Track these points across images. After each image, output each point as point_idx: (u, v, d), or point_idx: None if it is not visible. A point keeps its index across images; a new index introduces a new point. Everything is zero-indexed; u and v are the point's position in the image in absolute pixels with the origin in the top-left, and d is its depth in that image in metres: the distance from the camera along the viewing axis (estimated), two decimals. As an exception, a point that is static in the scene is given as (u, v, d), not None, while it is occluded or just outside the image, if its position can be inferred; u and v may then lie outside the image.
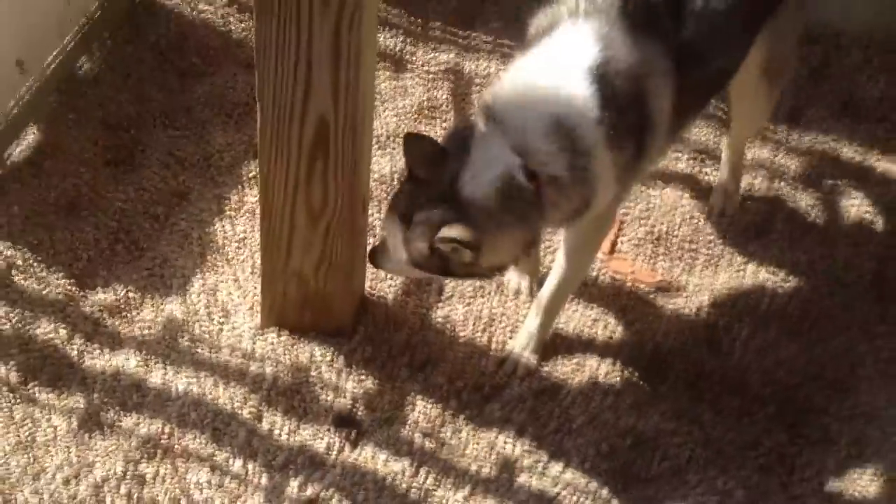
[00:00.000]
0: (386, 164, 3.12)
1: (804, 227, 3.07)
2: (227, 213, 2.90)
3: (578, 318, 2.72)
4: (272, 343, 2.49)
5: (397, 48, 3.58)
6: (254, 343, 2.49)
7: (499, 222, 2.10)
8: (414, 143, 2.12)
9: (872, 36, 3.74)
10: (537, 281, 2.77)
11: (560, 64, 2.22)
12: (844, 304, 2.84)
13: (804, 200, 3.17)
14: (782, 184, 3.23)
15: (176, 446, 2.25)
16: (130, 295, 2.61)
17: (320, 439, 2.30)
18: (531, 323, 2.60)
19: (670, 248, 2.98)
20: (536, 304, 2.60)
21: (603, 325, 2.71)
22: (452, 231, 2.03)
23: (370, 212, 2.67)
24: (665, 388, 2.57)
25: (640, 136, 2.25)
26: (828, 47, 3.72)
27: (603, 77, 2.18)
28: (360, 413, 2.37)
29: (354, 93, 2.12)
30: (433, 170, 2.10)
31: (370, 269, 2.72)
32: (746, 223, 3.07)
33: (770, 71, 2.68)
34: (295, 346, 2.49)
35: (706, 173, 3.24)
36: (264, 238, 2.38)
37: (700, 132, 3.35)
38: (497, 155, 2.10)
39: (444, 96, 3.41)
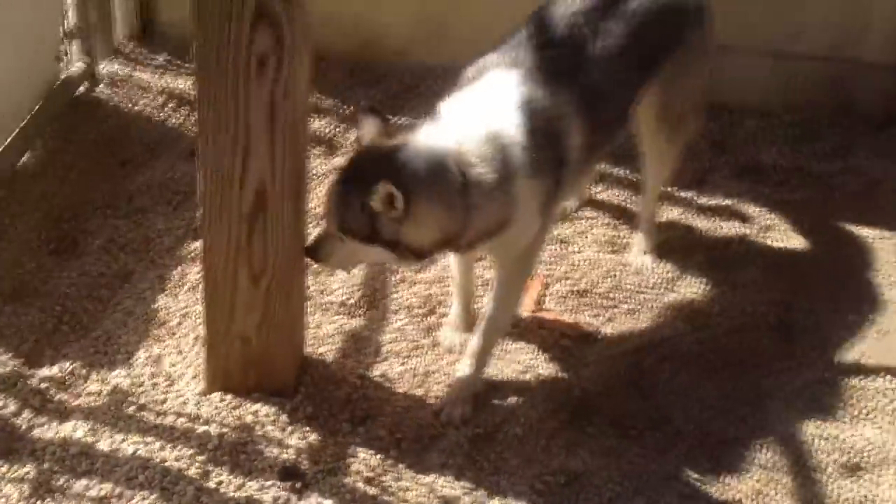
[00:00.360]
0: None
1: (715, 279, 3.30)
2: (169, 289, 3.04)
3: (509, 370, 2.88)
4: (216, 406, 2.60)
5: (329, 132, 3.80)
6: (199, 407, 2.60)
7: (428, 195, 2.34)
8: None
9: (766, 110, 4.08)
10: (471, 325, 2.93)
11: (494, 94, 2.55)
12: (752, 346, 3.05)
13: (713, 254, 3.41)
14: (693, 240, 3.47)
15: (126, 506, 2.34)
16: (76, 370, 2.70)
17: (266, 492, 2.40)
18: (464, 373, 2.75)
19: (593, 301, 3.18)
20: (469, 354, 2.76)
21: (532, 375, 2.88)
22: (385, 186, 2.24)
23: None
24: (592, 428, 2.73)
25: (558, 171, 2.55)
26: (724, 123, 4.05)
27: (528, 112, 2.50)
28: (304, 465, 2.48)
29: (291, 158, 2.31)
30: (380, 141, 2.38)
31: (309, 335, 2.88)
32: (662, 276, 3.30)
33: (668, 118, 3.01)
34: (239, 407, 2.60)
35: (623, 235, 3.47)
36: (208, 302, 2.52)
37: (617, 197, 3.60)
38: (438, 140, 2.39)
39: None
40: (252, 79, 2.20)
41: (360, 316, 3.02)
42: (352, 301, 3.05)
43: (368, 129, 2.47)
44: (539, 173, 2.50)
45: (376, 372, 2.83)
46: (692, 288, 3.27)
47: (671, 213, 3.60)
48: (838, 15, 3.96)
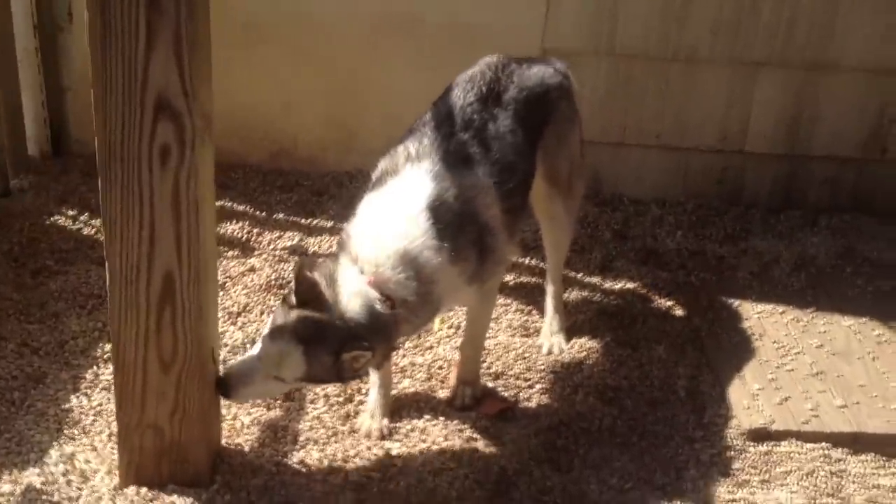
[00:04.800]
0: (239, 335, 3.33)
1: (623, 357, 3.40)
2: (83, 390, 3.02)
3: (427, 450, 2.91)
4: (132, 499, 2.57)
5: (244, 236, 3.87)
6: (114, 501, 2.57)
7: (375, 337, 2.58)
8: (302, 281, 2.54)
9: (665, 199, 4.30)
10: (389, 415, 3.00)
11: (401, 203, 2.72)
12: (665, 419, 3.14)
13: (621, 334, 3.52)
14: (600, 321, 3.59)
15: None
16: (-12, 472, 2.66)
17: (185, 584, 2.37)
18: (465, 370, 3.12)
19: (508, 383, 3.25)
20: (463, 349, 3.15)
21: (450, 455, 2.91)
22: (358, 348, 2.53)
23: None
24: (509, 504, 2.77)
25: (482, 242, 2.78)
26: (627, 212, 4.25)
27: (438, 208, 2.69)
28: (222, 555, 2.46)
29: (196, 245, 2.36)
30: (315, 302, 2.54)
31: (225, 426, 2.88)
32: (573, 356, 3.39)
33: (558, 182, 3.26)
34: (155, 500, 2.57)
35: (533, 321, 3.58)
36: (118, 393, 2.52)
37: (525, 288, 3.72)
38: (360, 289, 2.58)
39: (291, 273, 3.67)
40: (155, 169, 2.27)
41: (277, 407, 3.03)
42: (268, 392, 3.06)
43: (302, 291, 2.57)
44: (460, 256, 2.72)
45: (294, 459, 2.83)
46: (602, 366, 3.36)
47: (578, 297, 3.72)
48: (722, 111, 4.23)
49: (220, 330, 3.31)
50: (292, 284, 2.57)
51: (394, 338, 2.69)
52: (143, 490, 2.60)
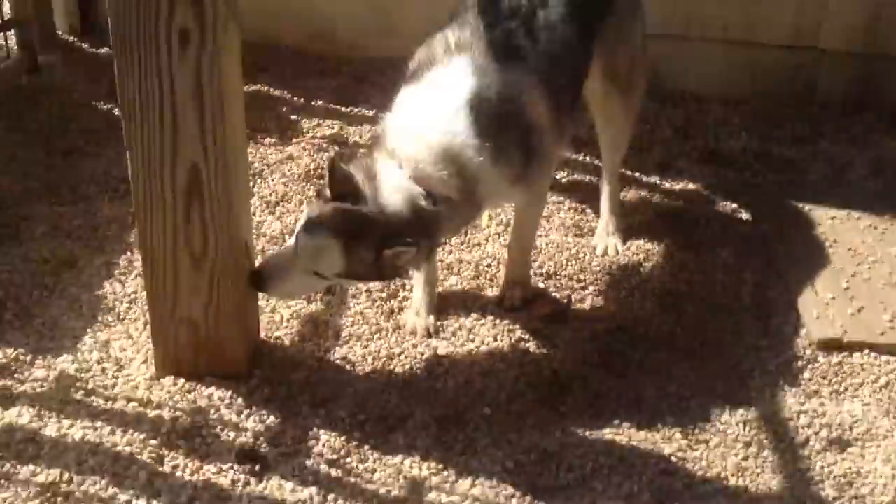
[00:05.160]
0: (277, 226, 3.16)
1: (684, 261, 3.20)
2: (117, 275, 2.87)
3: (477, 353, 2.75)
4: (168, 390, 2.44)
5: (282, 122, 3.67)
6: (150, 391, 2.44)
7: (418, 233, 2.40)
8: (337, 172, 2.36)
9: (730, 98, 4.03)
10: (435, 313, 2.83)
11: (442, 97, 2.50)
12: (728, 327, 2.95)
13: (682, 237, 3.32)
14: (660, 223, 3.38)
15: (76, 492, 2.16)
16: (20, 356, 2.53)
17: (224, 475, 2.24)
18: (513, 271, 2.95)
19: (560, 283, 3.07)
20: (511, 250, 2.96)
21: (500, 356, 2.75)
22: (401, 244, 2.35)
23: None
24: (565, 408, 2.61)
25: (527, 143, 2.56)
26: (689, 110, 4.00)
27: (479, 105, 2.47)
28: (263, 448, 2.32)
29: (223, 135, 2.18)
30: (352, 195, 2.36)
31: (264, 319, 2.74)
32: (629, 259, 3.20)
33: (616, 79, 3.01)
34: (192, 391, 2.44)
35: (588, 220, 3.38)
36: (149, 285, 2.37)
37: (579, 185, 3.51)
38: (401, 183, 2.41)
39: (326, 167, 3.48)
40: (174, 54, 2.08)
41: (318, 300, 2.88)
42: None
43: (337, 183, 2.39)
44: (504, 157, 2.52)
45: (336, 355, 2.68)
46: (662, 270, 3.17)
47: (636, 197, 3.52)
48: (794, 4, 3.93)
49: (258, 220, 3.16)
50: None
51: (436, 236, 2.52)
52: (181, 381, 2.47)
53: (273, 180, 3.37)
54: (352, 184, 2.38)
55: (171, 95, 2.13)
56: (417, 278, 2.88)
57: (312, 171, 3.43)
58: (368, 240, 2.35)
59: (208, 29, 2.07)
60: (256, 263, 2.53)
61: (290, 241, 2.46)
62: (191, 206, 2.25)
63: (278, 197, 3.30)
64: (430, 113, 2.48)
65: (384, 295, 2.94)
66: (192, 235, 2.29)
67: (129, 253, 2.96)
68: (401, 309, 2.89)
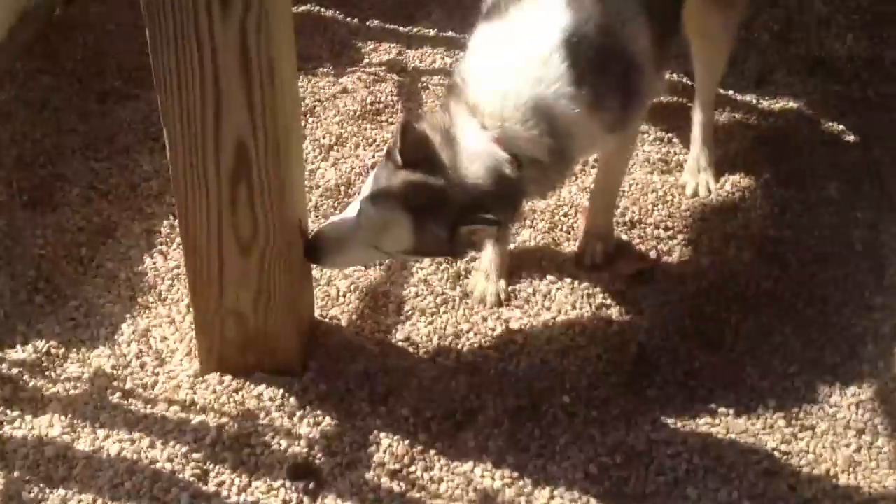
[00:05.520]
0: (331, 175, 2.87)
1: (786, 199, 2.85)
2: (158, 246, 2.64)
3: (554, 326, 2.48)
4: (214, 389, 2.24)
5: (334, 48, 3.34)
6: (193, 392, 2.24)
7: (499, 205, 2.10)
8: (409, 135, 2.05)
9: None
10: (506, 276, 2.57)
11: (530, 39, 2.16)
12: (837, 280, 2.62)
13: (782, 168, 2.94)
14: (757, 152, 3.01)
15: (110, 521, 2.00)
16: (53, 350, 2.34)
17: (275, 494, 2.05)
18: (595, 222, 2.64)
19: (645, 233, 2.75)
20: (593, 199, 2.65)
21: (579, 328, 2.47)
22: (480, 221, 2.06)
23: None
24: (654, 391, 2.34)
25: (628, 82, 2.22)
26: (789, 9, 3.53)
27: (577, 45, 2.13)
28: (318, 459, 2.12)
29: (273, 109, 1.87)
30: (427, 163, 2.06)
31: (319, 294, 2.49)
32: (724, 198, 2.85)
33: None
34: (240, 391, 2.23)
35: (675, 153, 3.02)
36: (191, 276, 2.12)
37: (666, 110, 3.12)
38: (484, 149, 2.09)
39: (389, 95, 3.16)
40: (215, 16, 1.76)
41: (377, 267, 2.61)
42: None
43: (410, 148, 2.07)
44: (602, 103, 2.18)
45: (398, 335, 2.44)
46: (760, 211, 2.82)
47: (729, 120, 3.12)
48: None
49: (310, 168, 2.88)
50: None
51: (520, 205, 2.21)
52: (227, 378, 2.25)
53: (327, 119, 3.07)
54: (427, 148, 2.07)
55: (212, 66, 1.83)
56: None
57: (370, 107, 3.12)
58: (443, 216, 2.07)
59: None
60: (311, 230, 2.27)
61: (352, 208, 2.19)
62: (237, 188, 1.98)
63: (333, 139, 3.00)
64: (517, 59, 2.13)
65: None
66: (239, 221, 2.03)
67: (171, 218, 2.71)
68: (468, 272, 2.62)
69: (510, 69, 2.12)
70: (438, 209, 2.07)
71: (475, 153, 2.08)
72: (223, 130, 1.88)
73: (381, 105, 3.14)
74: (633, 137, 2.58)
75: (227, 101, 1.85)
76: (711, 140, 2.93)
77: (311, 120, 3.07)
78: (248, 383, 2.24)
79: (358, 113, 3.10)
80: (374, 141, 2.99)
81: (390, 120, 3.09)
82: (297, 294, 2.19)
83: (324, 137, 3.01)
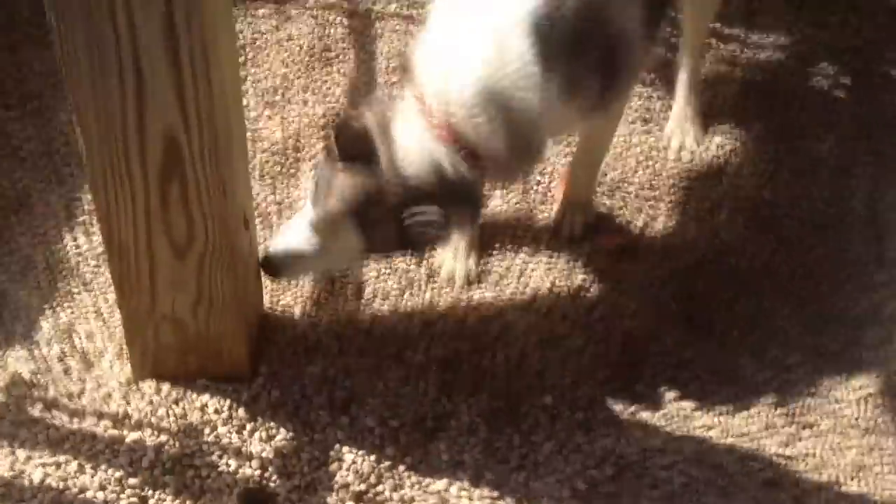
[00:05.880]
0: (276, 129, 2.55)
1: (779, 156, 2.60)
2: (80, 220, 2.31)
3: (529, 309, 2.23)
4: (150, 400, 1.95)
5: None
6: (127, 402, 1.95)
7: (450, 200, 1.82)
8: (346, 131, 1.81)
9: None
10: (477, 252, 2.30)
11: (492, 14, 1.82)
12: (835, 252, 2.40)
13: (775, 120, 2.69)
14: (748, 100, 2.74)
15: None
16: (-38, 354, 2.04)
17: (225, 528, 1.81)
18: (575, 190, 2.38)
19: (627, 198, 2.49)
20: (573, 169, 2.38)
21: (559, 314, 2.23)
22: (427, 214, 1.78)
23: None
24: (642, 386, 2.12)
25: (611, 61, 1.92)
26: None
27: (549, 25, 1.80)
28: (272, 483, 1.86)
29: (209, 99, 1.54)
30: (367, 159, 1.80)
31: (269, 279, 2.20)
32: (712, 156, 2.60)
33: None
34: (181, 402, 1.95)
35: (657, 106, 2.73)
36: (117, 280, 1.82)
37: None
38: (419, 144, 1.80)
39: (340, 35, 2.81)
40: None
41: (332, 241, 2.32)
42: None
43: (347, 144, 1.82)
44: (578, 88, 1.88)
45: (360, 326, 2.16)
46: (750, 172, 2.57)
47: (717, 60, 2.84)
48: None
49: (253, 115, 2.55)
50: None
51: (478, 198, 1.92)
52: (165, 387, 1.97)
53: (272, 64, 2.72)
54: (363, 142, 1.79)
55: (132, 51, 1.50)
56: None
57: (318, 49, 2.76)
58: (383, 210, 1.81)
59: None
60: (262, 246, 1.98)
61: (301, 215, 1.91)
62: (169, 186, 1.67)
63: (277, 85, 2.66)
64: (473, 36, 1.81)
65: (413, 227, 2.37)
66: (172, 222, 1.72)
67: (93, 183, 2.36)
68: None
69: (463, 46, 1.80)
70: (378, 208, 1.81)
71: (409, 148, 1.79)
72: (149, 126, 1.56)
73: (331, 45, 2.79)
74: (620, 114, 2.29)
75: (152, 93, 1.52)
76: (699, 91, 2.65)
77: (252, 70, 2.71)
78: (189, 392, 1.96)
79: (305, 55, 2.75)
80: (323, 90, 2.66)
81: (341, 62, 2.76)
82: (243, 295, 1.90)
83: (265, 79, 2.67)
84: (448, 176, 1.80)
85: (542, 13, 1.78)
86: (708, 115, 2.66)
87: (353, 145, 1.78)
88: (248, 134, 2.44)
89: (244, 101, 2.58)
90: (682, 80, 2.64)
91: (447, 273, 2.29)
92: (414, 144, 1.79)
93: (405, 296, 2.24)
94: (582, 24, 1.81)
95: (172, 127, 1.56)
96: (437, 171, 1.79)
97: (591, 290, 2.29)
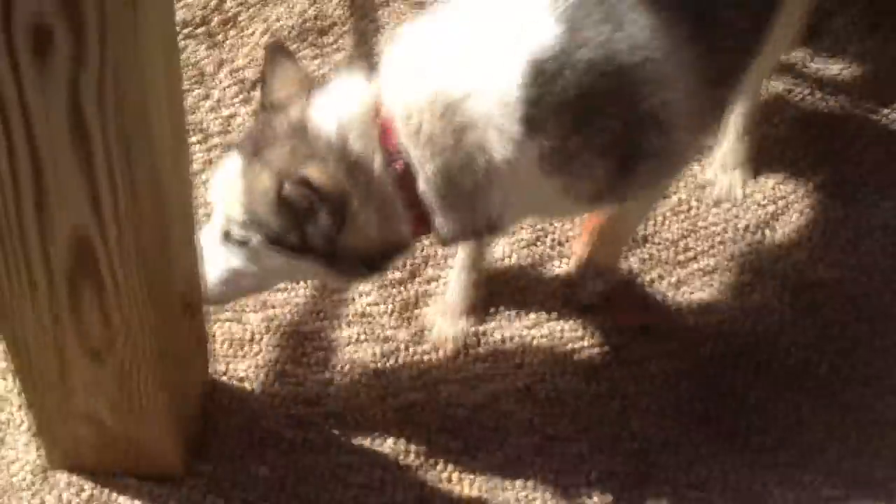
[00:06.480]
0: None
1: (829, 220, 2.21)
2: None
3: (525, 398, 1.89)
4: (60, 495, 1.62)
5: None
6: (36, 497, 1.62)
7: (355, 190, 1.47)
8: (278, 59, 1.57)
9: None
10: (475, 310, 1.96)
11: (501, 19, 1.50)
12: (886, 349, 2.06)
13: (828, 170, 2.29)
14: (800, 143, 2.34)
15: None
16: None
17: None
18: (599, 252, 1.98)
19: (656, 253, 2.13)
20: (601, 233, 1.96)
21: (560, 408, 1.89)
22: (307, 170, 1.43)
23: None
24: (651, 507, 1.80)
25: (633, 144, 1.52)
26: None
27: (548, 75, 1.43)
28: None
29: (133, 196, 1.16)
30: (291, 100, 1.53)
31: (220, 336, 1.86)
32: (759, 206, 2.23)
33: None
34: (98, 501, 1.62)
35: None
36: (20, 373, 1.46)
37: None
38: (352, 133, 1.48)
39: (336, 11, 2.40)
40: (24, 66, 1.01)
41: (303, 287, 1.96)
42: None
43: (275, 78, 1.57)
44: (568, 167, 1.49)
45: (326, 407, 1.82)
46: (799, 232, 2.19)
47: (772, 90, 2.43)
48: None
49: (227, 113, 2.18)
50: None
51: (390, 220, 1.51)
52: (83, 483, 1.64)
53: (253, 33, 2.33)
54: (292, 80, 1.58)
55: (24, 134, 1.11)
56: (458, 258, 1.95)
57: (311, 21, 2.37)
58: (269, 160, 1.49)
59: (89, 31, 1.00)
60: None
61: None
62: (79, 291, 1.31)
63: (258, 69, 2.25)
64: (465, 38, 1.49)
65: (401, 275, 2.01)
66: (84, 325, 1.36)
67: None
68: (425, 299, 1.99)
69: (441, 47, 1.49)
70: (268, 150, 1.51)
71: (335, 100, 1.52)
72: (50, 222, 1.18)
73: (327, 19, 2.38)
74: (648, 202, 1.89)
75: (54, 187, 1.14)
76: (753, 131, 2.26)
77: (231, 35, 2.30)
78: (110, 493, 1.63)
79: (296, 29, 2.35)
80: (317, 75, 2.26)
81: (337, 38, 2.35)
82: (179, 393, 1.54)
83: (246, 67, 2.27)
84: (361, 179, 1.46)
85: (550, 51, 1.41)
86: (759, 154, 2.28)
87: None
88: (220, 126, 2.08)
89: (215, 96, 2.19)
90: (736, 118, 2.23)
91: (436, 337, 1.94)
92: (339, 129, 1.46)
93: (382, 365, 1.89)
94: (594, 84, 1.43)
95: (81, 226, 1.18)
96: (342, 136, 1.46)
97: (601, 377, 1.94)
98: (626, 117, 1.49)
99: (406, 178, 1.48)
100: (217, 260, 1.53)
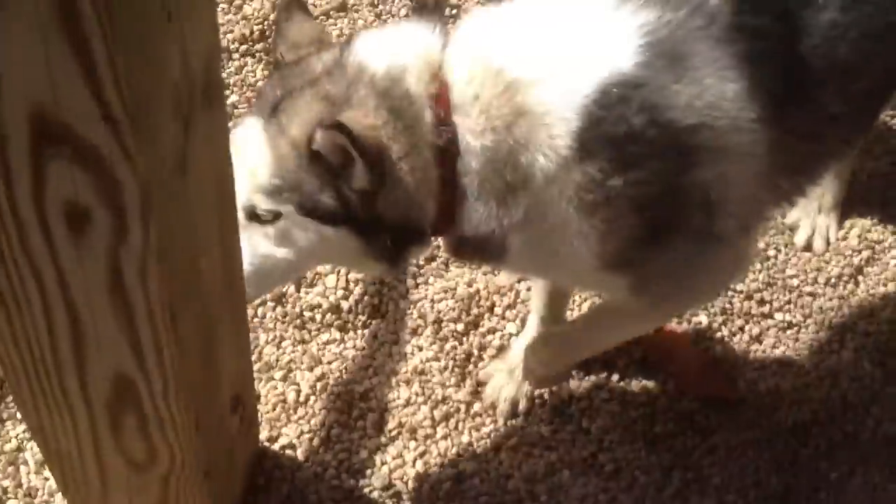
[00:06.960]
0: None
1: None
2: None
3: (592, 470, 1.78)
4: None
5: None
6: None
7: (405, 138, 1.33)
8: (293, 11, 1.45)
9: None
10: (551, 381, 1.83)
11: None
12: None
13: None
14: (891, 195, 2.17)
15: None
16: None
17: None
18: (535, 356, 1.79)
19: (730, 310, 1.99)
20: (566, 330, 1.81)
21: (629, 481, 1.78)
22: (343, 115, 1.28)
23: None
24: None
25: (670, 219, 1.38)
26: None
27: (606, 108, 1.31)
28: None
29: (179, 343, 1.05)
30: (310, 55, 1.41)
31: (271, 398, 1.76)
32: (844, 261, 2.06)
33: None
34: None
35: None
36: (59, 476, 1.38)
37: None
38: (398, 59, 1.35)
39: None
40: (59, 239, 0.90)
41: (355, 339, 1.85)
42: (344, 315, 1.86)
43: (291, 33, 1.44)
44: (598, 218, 1.35)
45: (375, 479, 1.73)
46: (891, 285, 2.04)
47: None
48: None
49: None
50: None
51: (419, 191, 1.35)
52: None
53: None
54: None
55: (61, 296, 1.01)
56: (535, 294, 1.82)
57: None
58: (297, 110, 1.34)
59: (128, 208, 0.90)
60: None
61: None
62: (121, 418, 1.21)
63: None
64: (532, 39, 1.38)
65: (460, 326, 1.89)
66: (126, 447, 1.27)
67: None
68: (482, 353, 1.88)
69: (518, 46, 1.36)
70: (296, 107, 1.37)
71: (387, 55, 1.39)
72: (89, 366, 1.07)
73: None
74: (669, 312, 1.70)
75: (91, 336, 1.03)
76: (848, 175, 2.08)
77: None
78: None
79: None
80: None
81: (356, 16, 2.21)
82: (219, 483, 1.45)
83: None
84: (402, 132, 1.31)
85: (619, 78, 1.30)
86: (846, 202, 2.11)
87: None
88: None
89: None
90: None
91: (492, 394, 1.83)
92: (389, 69, 1.33)
93: (437, 432, 1.79)
94: (644, 131, 1.30)
95: (123, 368, 1.07)
96: (392, 111, 1.31)
97: (672, 448, 1.82)
98: (669, 180, 1.34)
99: (448, 153, 1.33)
100: (243, 249, 1.31)
